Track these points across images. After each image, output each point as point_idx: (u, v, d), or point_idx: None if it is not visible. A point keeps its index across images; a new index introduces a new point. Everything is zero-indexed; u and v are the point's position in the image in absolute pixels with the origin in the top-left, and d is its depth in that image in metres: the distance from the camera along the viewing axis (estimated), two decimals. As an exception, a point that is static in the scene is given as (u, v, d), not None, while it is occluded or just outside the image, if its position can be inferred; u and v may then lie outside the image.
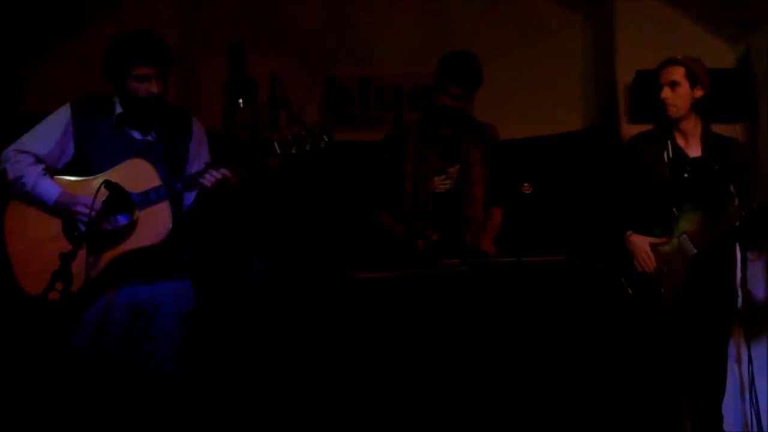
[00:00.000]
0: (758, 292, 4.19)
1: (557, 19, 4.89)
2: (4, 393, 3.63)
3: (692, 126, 3.45)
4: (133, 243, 2.88)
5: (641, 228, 3.44)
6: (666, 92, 3.40)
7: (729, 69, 4.37)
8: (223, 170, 2.93)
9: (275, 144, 2.96)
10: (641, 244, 3.40)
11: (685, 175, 3.40)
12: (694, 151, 3.44)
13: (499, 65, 3.66)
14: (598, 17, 4.80)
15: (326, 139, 2.97)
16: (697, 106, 3.43)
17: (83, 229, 2.82)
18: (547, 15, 4.89)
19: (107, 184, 2.78)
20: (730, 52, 4.47)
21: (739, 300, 3.45)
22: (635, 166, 3.49)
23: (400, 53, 4.86)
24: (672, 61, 3.43)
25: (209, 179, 2.92)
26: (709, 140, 3.44)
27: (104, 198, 2.80)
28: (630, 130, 4.23)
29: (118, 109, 3.00)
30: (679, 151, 3.43)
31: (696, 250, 3.30)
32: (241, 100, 3.66)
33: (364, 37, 4.87)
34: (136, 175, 2.90)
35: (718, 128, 3.57)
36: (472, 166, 3.72)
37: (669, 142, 3.43)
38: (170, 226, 2.91)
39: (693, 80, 3.40)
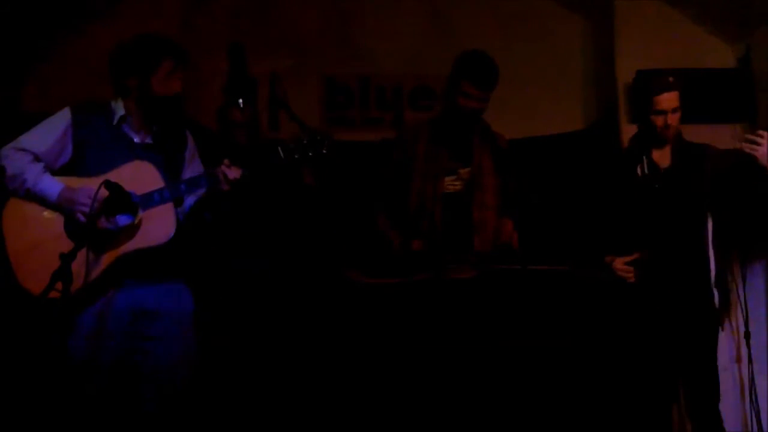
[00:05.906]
0: (757, 292, 4.21)
1: (557, 19, 4.89)
2: (4, 393, 3.63)
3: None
4: (135, 244, 2.88)
5: (620, 241, 3.44)
6: (672, 119, 3.35)
7: (729, 69, 4.37)
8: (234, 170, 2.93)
9: (279, 149, 2.97)
10: (617, 265, 3.41)
11: (656, 185, 3.39)
12: (665, 160, 3.43)
13: (499, 65, 3.65)
14: (598, 17, 4.80)
15: (328, 147, 2.98)
16: None
17: (83, 219, 2.81)
18: (547, 15, 4.89)
19: (107, 183, 2.77)
20: (730, 52, 4.47)
21: (716, 299, 3.44)
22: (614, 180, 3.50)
23: (400, 53, 4.86)
24: (670, 87, 3.36)
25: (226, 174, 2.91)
26: (680, 149, 3.43)
27: (104, 198, 2.81)
28: (630, 130, 4.21)
29: (120, 113, 3.00)
30: (652, 163, 3.42)
31: None
32: (241, 100, 3.67)
33: (364, 36, 4.87)
34: (140, 176, 2.90)
35: (718, 128, 3.57)
36: (483, 172, 3.66)
37: (644, 157, 3.42)
38: (174, 227, 2.91)
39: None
